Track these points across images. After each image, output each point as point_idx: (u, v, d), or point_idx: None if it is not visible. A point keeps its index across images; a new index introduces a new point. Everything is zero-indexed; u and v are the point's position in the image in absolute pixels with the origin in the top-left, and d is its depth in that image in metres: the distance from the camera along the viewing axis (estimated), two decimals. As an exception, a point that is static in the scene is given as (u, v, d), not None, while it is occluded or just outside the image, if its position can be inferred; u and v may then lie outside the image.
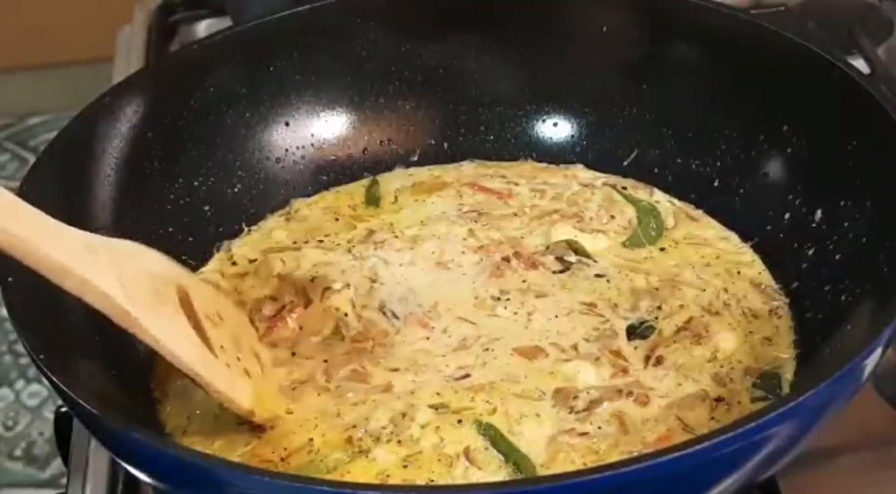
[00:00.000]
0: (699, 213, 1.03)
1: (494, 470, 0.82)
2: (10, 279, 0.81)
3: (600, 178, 1.06)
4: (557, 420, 0.85)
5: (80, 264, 0.75)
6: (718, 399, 0.86)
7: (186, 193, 1.02)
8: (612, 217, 1.02)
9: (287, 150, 1.07)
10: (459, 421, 0.85)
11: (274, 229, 1.04)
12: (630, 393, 0.86)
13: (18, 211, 0.75)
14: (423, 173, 1.09)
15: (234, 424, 0.86)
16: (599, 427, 0.84)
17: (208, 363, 0.82)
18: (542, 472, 0.81)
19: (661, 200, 1.04)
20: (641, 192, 1.05)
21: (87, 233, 0.79)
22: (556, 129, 1.09)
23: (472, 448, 0.83)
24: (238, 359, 0.85)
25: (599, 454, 0.83)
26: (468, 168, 1.09)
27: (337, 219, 1.05)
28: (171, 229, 0.99)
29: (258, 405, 0.84)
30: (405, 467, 0.82)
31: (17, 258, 0.74)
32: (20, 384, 2.21)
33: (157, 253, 0.85)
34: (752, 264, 0.98)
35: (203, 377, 0.81)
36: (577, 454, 0.83)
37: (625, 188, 1.05)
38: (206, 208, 1.03)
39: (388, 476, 0.82)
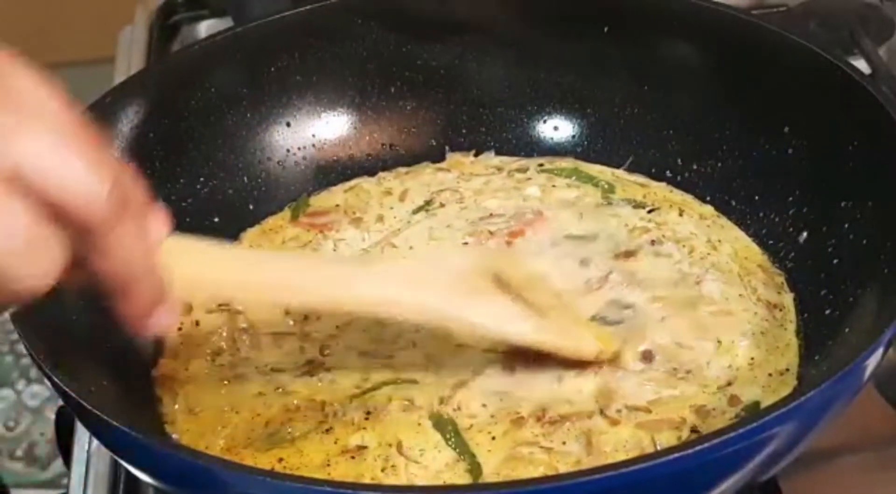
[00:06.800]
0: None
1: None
2: (11, 280, 0.81)
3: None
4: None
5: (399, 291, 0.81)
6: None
7: (188, 194, 1.01)
8: None
9: (288, 150, 1.07)
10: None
11: None
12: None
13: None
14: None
15: (237, 420, 0.86)
16: (564, 443, 0.82)
17: (544, 328, 0.84)
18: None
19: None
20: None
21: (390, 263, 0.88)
22: (556, 130, 1.09)
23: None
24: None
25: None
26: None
27: None
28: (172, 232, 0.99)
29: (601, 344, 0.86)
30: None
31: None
32: (21, 384, 2.21)
33: (461, 252, 0.93)
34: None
35: (545, 343, 0.84)
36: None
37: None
38: (208, 209, 1.02)
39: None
